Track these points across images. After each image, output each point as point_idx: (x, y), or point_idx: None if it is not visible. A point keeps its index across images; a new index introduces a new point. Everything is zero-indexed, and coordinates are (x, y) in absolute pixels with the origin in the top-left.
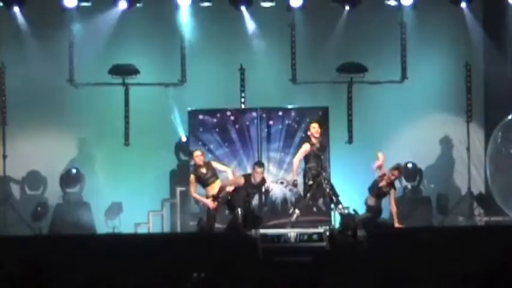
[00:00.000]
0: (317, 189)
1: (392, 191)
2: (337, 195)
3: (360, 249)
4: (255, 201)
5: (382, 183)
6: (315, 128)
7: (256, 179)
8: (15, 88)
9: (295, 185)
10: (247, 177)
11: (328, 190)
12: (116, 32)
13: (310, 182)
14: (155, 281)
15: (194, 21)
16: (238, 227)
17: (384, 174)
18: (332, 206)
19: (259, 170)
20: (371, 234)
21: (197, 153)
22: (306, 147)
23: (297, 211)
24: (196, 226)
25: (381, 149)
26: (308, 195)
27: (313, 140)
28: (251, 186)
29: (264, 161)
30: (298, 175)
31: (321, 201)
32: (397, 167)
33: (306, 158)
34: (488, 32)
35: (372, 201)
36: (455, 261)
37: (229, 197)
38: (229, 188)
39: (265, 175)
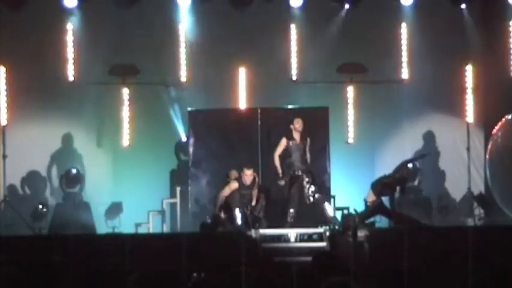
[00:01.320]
0: (296, 187)
1: (393, 192)
2: (316, 192)
3: (360, 249)
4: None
5: (388, 180)
6: (298, 123)
7: (246, 181)
8: (15, 88)
9: (279, 179)
10: (239, 180)
11: (307, 188)
12: (116, 32)
13: (284, 180)
14: (155, 281)
15: (194, 21)
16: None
17: (398, 171)
18: (311, 200)
19: (248, 172)
20: (372, 233)
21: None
22: (282, 142)
23: (291, 210)
24: (200, 229)
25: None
26: (290, 192)
27: (295, 135)
28: (243, 188)
29: (264, 161)
30: (281, 170)
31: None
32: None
33: (287, 153)
34: (488, 32)
35: (371, 198)
36: (454, 261)
37: (225, 201)
38: (225, 193)
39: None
